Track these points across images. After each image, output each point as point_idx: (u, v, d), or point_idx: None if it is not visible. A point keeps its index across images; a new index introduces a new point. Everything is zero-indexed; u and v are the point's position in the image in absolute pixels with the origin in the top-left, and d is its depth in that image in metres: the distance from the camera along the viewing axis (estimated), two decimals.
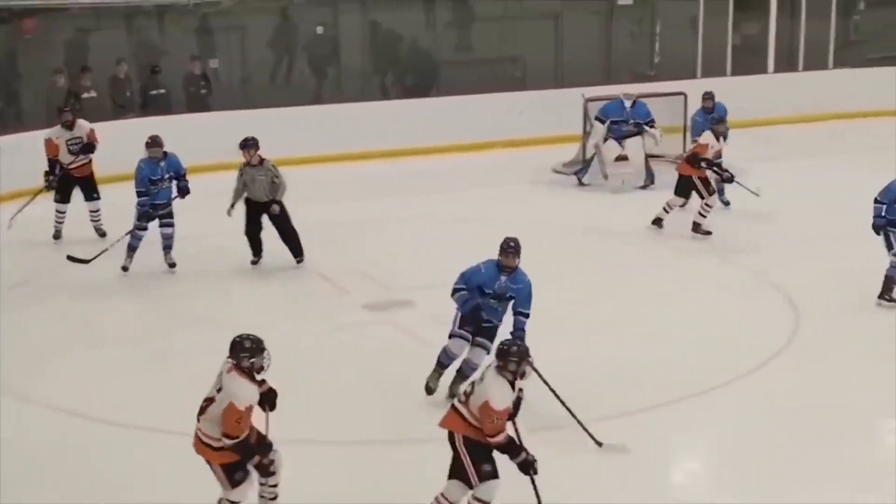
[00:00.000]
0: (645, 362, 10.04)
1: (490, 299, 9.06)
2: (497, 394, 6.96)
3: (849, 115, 19.59)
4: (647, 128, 15.78)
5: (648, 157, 15.98)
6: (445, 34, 20.20)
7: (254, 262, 12.75)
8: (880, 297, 11.28)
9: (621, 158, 15.89)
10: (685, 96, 16.72)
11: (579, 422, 8.49)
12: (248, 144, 12.43)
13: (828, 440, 8.67)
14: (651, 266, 12.88)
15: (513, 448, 6.99)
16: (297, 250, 12.67)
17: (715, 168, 13.78)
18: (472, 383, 7.26)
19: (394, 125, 17.90)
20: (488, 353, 8.84)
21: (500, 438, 6.93)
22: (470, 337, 9.15)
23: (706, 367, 9.94)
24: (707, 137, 13.85)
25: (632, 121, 15.79)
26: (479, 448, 7.01)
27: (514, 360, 7.05)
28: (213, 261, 12.97)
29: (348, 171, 17.23)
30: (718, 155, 13.95)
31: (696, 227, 13.74)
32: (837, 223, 13.37)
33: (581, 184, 16.17)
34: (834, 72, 21.06)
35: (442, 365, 9.24)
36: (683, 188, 13.80)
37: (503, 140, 18.29)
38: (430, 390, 9.24)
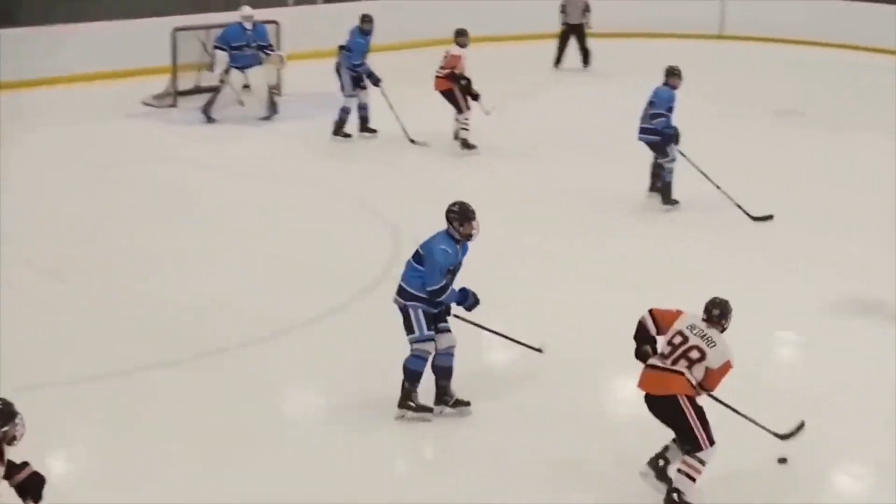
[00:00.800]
0: (241, 295, 9.84)
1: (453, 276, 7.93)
2: (731, 350, 6.93)
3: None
4: (266, 53, 15.29)
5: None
6: None
7: None
8: (665, 202, 11.86)
9: (247, 87, 15.50)
10: (277, 24, 16.44)
11: None
12: None
13: None
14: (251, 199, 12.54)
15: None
16: None
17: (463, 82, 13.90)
18: (693, 348, 6.90)
19: None
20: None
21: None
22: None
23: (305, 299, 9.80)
24: (458, 50, 13.94)
25: (254, 44, 15.23)
26: (702, 411, 6.92)
27: (729, 316, 7.00)
28: None
29: None
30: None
31: (465, 143, 14.00)
32: None
33: (210, 120, 15.35)
34: None
35: (417, 380, 7.91)
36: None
37: (95, 73, 17.20)
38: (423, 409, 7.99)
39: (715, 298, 7.06)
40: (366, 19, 14.53)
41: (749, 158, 13.58)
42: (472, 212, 7.74)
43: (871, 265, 10.62)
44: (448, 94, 14.00)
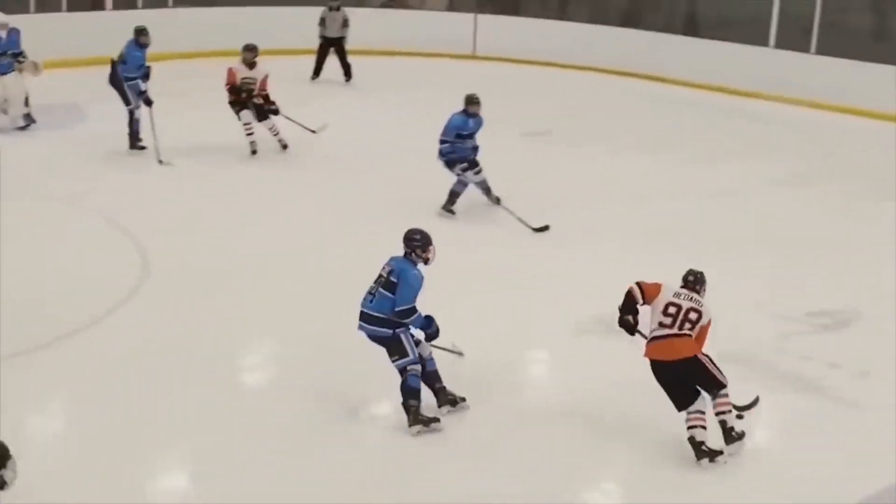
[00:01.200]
0: None
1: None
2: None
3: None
4: (19, 60, 14.65)
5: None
6: None
7: None
8: (443, 207, 12.22)
9: None
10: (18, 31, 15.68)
11: None
12: None
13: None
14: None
15: None
16: None
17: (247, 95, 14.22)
18: (690, 311, 7.78)
19: None
20: None
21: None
22: None
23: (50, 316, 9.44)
24: (234, 65, 14.24)
25: (9, 52, 14.58)
26: (710, 357, 7.82)
27: (705, 285, 8.02)
28: None
29: None
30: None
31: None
32: None
33: None
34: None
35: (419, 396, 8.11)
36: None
37: None
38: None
39: (692, 269, 8.04)
40: (142, 32, 14.12)
41: (505, 174, 13.71)
42: (430, 238, 8.07)
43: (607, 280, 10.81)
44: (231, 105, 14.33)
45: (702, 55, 19.63)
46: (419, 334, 8.16)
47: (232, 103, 14.36)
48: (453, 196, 12.39)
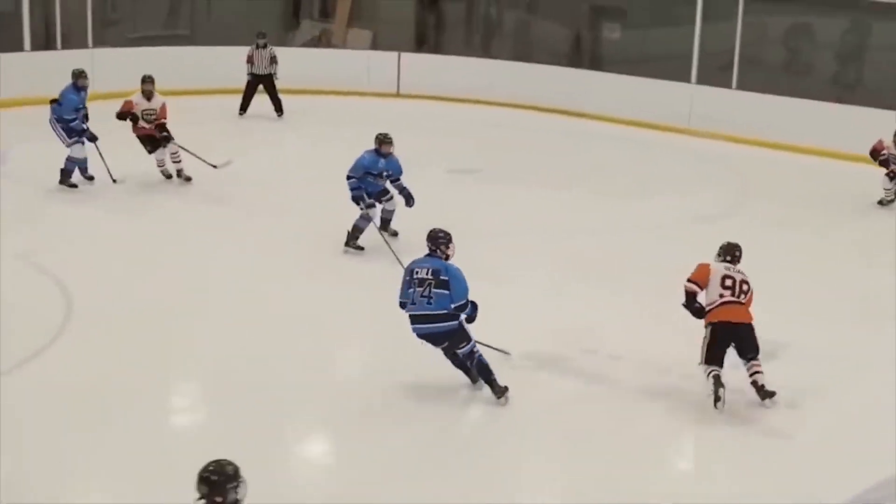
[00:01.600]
0: None
1: None
2: None
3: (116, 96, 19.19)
4: None
5: None
6: None
7: None
8: (347, 244, 12.29)
9: None
10: None
11: None
12: None
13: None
14: None
15: None
16: None
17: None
18: (743, 283, 9.02)
19: None
20: None
21: None
22: None
23: None
24: (134, 97, 14.49)
25: None
26: None
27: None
28: None
29: None
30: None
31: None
32: None
33: None
34: (93, 51, 20.39)
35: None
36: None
37: None
38: None
39: (731, 243, 9.25)
40: (81, 75, 14.34)
41: (431, 211, 13.68)
42: (451, 236, 9.00)
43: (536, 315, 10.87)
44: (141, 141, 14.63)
45: (623, 91, 19.79)
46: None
47: (142, 139, 14.55)
48: (356, 231, 12.37)
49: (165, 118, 14.55)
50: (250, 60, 19.03)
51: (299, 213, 13.69)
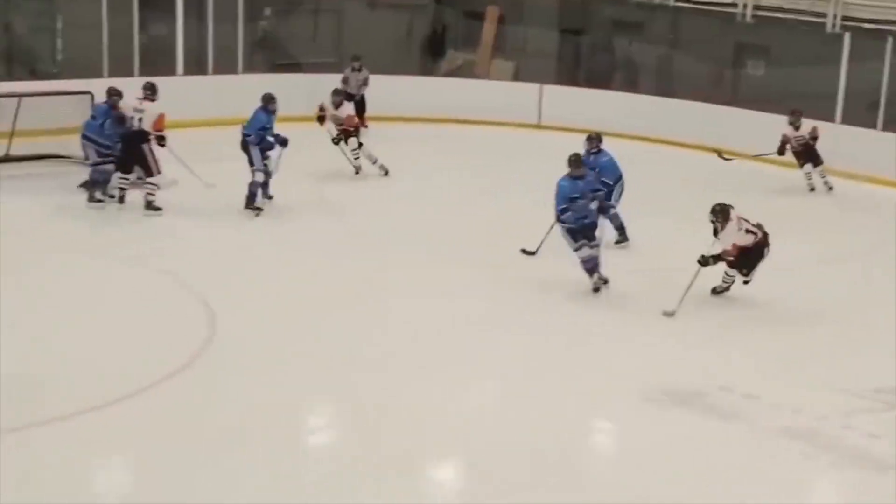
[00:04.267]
0: (53, 372, 9.50)
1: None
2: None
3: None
4: None
5: None
6: None
7: None
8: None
9: None
10: (91, 95, 15.98)
11: None
12: None
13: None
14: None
15: None
16: None
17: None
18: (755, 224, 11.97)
19: None
20: None
21: None
22: None
23: (116, 376, 9.47)
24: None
25: None
26: None
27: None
28: None
29: None
30: None
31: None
32: None
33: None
34: (243, 76, 20.96)
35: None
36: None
37: None
38: None
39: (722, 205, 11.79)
40: (271, 100, 14.88)
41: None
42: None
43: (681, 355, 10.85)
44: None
45: (764, 128, 19.54)
46: None
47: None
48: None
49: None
50: (345, 81, 19.68)
51: (446, 240, 13.88)
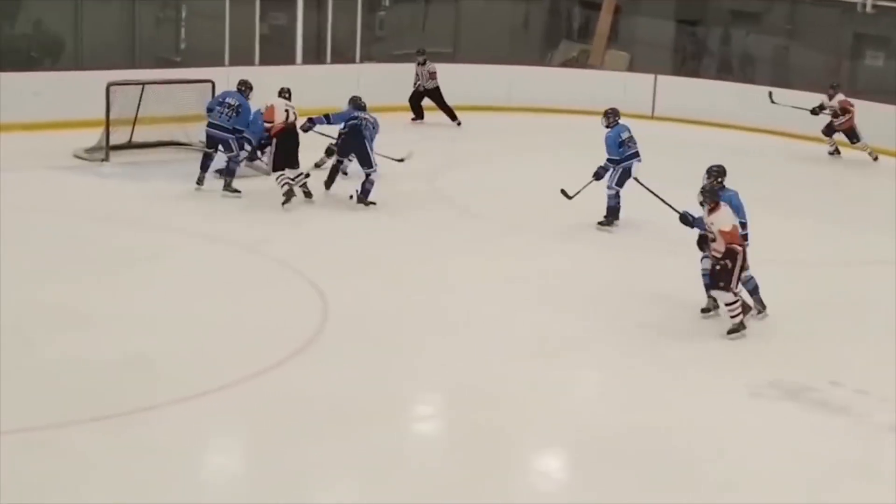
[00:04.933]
0: (168, 354, 9.75)
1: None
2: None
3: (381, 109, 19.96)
4: None
5: None
6: None
7: None
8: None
9: None
10: (213, 84, 16.37)
11: None
12: None
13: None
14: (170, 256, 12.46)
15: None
16: None
17: None
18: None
19: None
20: None
21: None
22: None
23: (230, 360, 9.71)
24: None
25: None
26: None
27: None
28: None
29: None
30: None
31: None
32: None
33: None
34: (360, 66, 21.29)
35: None
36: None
37: (18, 123, 16.96)
38: None
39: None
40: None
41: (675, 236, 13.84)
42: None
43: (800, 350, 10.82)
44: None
45: (883, 121, 19.29)
46: None
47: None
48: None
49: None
50: (418, 76, 20.17)
51: (556, 234, 13.99)
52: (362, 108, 14.67)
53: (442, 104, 20.21)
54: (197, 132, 15.94)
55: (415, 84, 20.26)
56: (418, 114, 20.32)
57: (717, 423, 9.23)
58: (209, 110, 14.81)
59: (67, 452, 8.02)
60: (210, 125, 14.72)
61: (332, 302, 11.15)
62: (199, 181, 14.73)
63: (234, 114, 14.59)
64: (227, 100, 14.70)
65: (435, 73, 20.16)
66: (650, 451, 8.56)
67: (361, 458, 8.24)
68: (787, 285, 12.34)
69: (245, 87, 14.83)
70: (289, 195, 14.15)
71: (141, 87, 16.32)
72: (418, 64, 20.21)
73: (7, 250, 11.91)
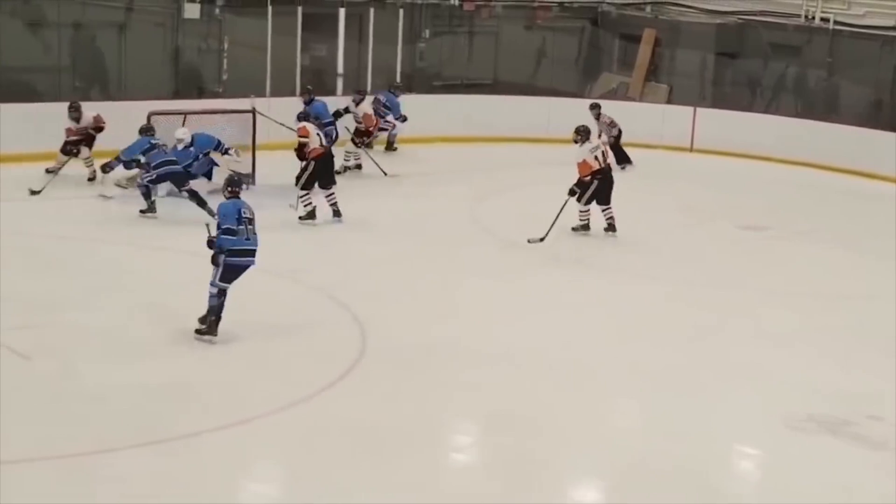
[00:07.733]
0: (209, 383, 9.81)
1: None
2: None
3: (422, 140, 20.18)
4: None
5: None
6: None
7: None
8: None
9: None
10: (254, 113, 16.50)
11: None
12: None
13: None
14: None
15: None
16: None
17: None
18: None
19: None
20: None
21: None
22: None
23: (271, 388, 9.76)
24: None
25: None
26: None
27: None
28: None
29: None
30: None
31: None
32: None
33: None
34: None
35: None
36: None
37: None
38: None
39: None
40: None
41: (713, 269, 13.82)
42: None
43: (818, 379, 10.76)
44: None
45: None
46: None
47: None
48: None
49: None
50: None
51: (597, 266, 14.05)
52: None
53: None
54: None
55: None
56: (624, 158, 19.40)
57: (758, 456, 9.19)
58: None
59: (110, 478, 8.09)
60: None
61: (369, 331, 11.19)
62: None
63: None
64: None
65: (613, 122, 19.53)
66: (691, 484, 8.54)
67: (399, 486, 8.27)
68: (821, 317, 12.32)
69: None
70: (312, 214, 14.91)
71: (182, 116, 16.44)
72: (596, 118, 19.24)
73: (53, 277, 12.11)
